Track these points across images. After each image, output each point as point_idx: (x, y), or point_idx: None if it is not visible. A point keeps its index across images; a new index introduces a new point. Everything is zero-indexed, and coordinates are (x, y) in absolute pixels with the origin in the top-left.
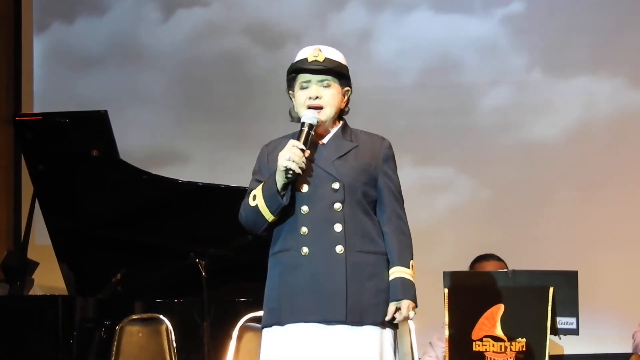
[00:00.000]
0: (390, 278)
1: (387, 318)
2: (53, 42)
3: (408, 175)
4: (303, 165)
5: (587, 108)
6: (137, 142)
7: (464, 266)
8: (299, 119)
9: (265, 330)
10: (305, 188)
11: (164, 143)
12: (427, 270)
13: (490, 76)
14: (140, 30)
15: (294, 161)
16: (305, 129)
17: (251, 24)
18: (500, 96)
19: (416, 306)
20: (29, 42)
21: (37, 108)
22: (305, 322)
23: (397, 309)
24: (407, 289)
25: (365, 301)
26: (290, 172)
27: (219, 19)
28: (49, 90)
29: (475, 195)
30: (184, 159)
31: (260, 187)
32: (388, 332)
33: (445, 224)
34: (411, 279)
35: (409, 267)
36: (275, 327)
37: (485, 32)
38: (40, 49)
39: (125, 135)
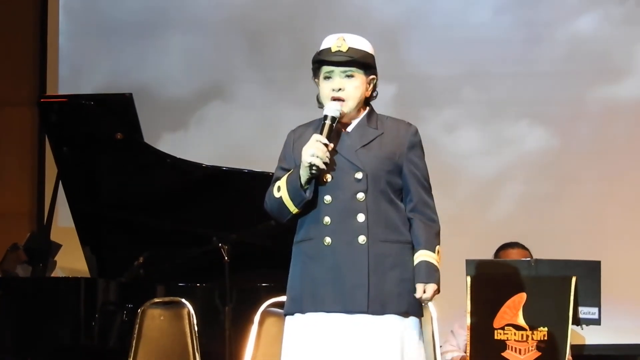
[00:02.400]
0: (415, 262)
1: (417, 296)
2: None
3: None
4: (327, 160)
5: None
6: (179, 71)
7: (488, 255)
8: (324, 106)
9: (288, 318)
10: (328, 177)
11: (208, 74)
12: (449, 258)
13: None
14: None
15: (317, 156)
16: (328, 122)
17: None
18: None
19: (439, 291)
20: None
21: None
22: (327, 311)
23: (424, 292)
24: (431, 273)
25: (388, 291)
26: (314, 167)
27: None
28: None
29: (499, 185)
30: (227, 95)
31: (285, 178)
32: (411, 320)
33: (467, 214)
34: (436, 263)
35: (434, 252)
36: (297, 315)
37: None
38: None
39: (168, 61)
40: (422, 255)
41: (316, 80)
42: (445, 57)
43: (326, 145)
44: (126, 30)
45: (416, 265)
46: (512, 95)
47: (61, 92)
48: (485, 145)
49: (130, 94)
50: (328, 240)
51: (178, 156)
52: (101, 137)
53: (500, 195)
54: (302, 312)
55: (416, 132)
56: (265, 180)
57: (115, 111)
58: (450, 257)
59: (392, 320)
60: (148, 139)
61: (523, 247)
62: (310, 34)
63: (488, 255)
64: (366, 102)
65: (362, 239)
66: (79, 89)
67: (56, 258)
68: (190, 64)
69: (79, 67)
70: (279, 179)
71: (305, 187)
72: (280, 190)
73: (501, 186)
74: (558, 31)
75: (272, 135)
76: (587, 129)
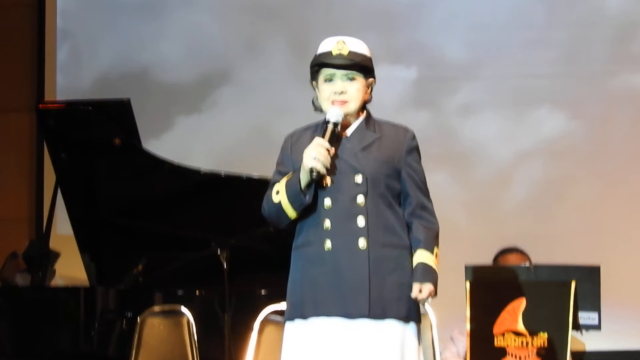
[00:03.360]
0: (414, 263)
1: (412, 295)
2: None
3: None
4: (328, 164)
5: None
6: (182, 53)
7: (486, 260)
8: (322, 110)
9: (288, 324)
10: (328, 182)
11: (212, 56)
12: (448, 264)
13: None
14: None
15: (319, 160)
16: (330, 126)
17: None
18: None
19: (436, 293)
20: None
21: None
22: (327, 316)
23: (420, 291)
24: (427, 273)
25: (388, 295)
26: (316, 171)
27: None
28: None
29: (496, 189)
30: (230, 80)
31: (284, 182)
32: (411, 325)
33: (466, 218)
34: (433, 265)
35: (432, 254)
36: (297, 321)
37: None
38: None
39: (170, 44)
40: (420, 256)
41: (314, 83)
42: (463, 41)
43: (328, 149)
44: (126, 12)
45: (414, 266)
46: (515, 93)
47: (60, 80)
48: (485, 146)
49: (128, 99)
50: (328, 244)
51: (184, 142)
52: (99, 142)
53: (499, 198)
54: (303, 317)
55: (414, 136)
56: (264, 185)
57: (114, 116)
58: (449, 262)
59: (392, 325)
60: (153, 124)
61: (522, 252)
62: (320, 13)
63: (487, 258)
64: (363, 106)
65: (362, 242)
66: (79, 76)
67: (55, 266)
68: (193, 45)
69: (78, 53)
70: (276, 182)
71: (305, 191)
72: (279, 194)
73: (500, 189)
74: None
75: (281, 117)
76: (586, 131)
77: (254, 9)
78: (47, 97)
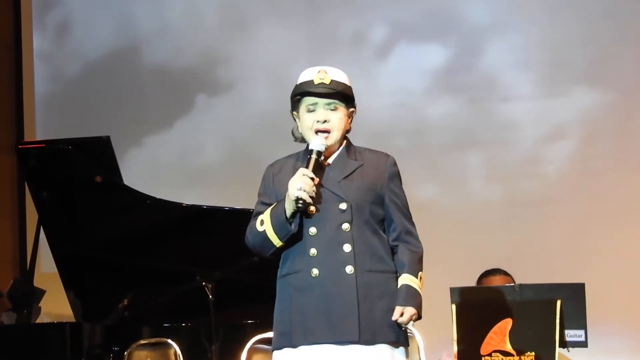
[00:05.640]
0: (398, 286)
1: (393, 318)
2: None
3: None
4: (313, 194)
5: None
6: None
7: (471, 281)
8: (302, 139)
9: (276, 353)
10: (313, 210)
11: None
12: (434, 286)
13: None
14: None
15: (304, 190)
16: (314, 156)
17: None
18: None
19: (419, 317)
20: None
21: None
22: (318, 343)
23: (402, 315)
24: (410, 297)
25: (377, 320)
26: (301, 201)
27: None
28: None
29: (479, 209)
30: (231, 61)
31: (268, 212)
32: (400, 349)
33: (450, 239)
34: (417, 288)
35: (416, 277)
36: (286, 350)
37: None
38: None
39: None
40: (404, 279)
41: (295, 113)
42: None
43: (312, 179)
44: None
45: (398, 288)
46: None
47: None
48: (470, 168)
49: (108, 137)
50: (315, 271)
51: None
52: (80, 180)
53: (483, 219)
54: (293, 345)
55: (394, 162)
56: (246, 217)
57: (94, 154)
58: (434, 285)
59: (382, 350)
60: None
61: (505, 273)
62: None
63: (471, 280)
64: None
65: (349, 269)
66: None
67: (40, 304)
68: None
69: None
70: (260, 213)
71: (291, 221)
72: (264, 224)
73: (484, 209)
74: None
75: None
76: (568, 149)
77: None
78: (27, 132)
